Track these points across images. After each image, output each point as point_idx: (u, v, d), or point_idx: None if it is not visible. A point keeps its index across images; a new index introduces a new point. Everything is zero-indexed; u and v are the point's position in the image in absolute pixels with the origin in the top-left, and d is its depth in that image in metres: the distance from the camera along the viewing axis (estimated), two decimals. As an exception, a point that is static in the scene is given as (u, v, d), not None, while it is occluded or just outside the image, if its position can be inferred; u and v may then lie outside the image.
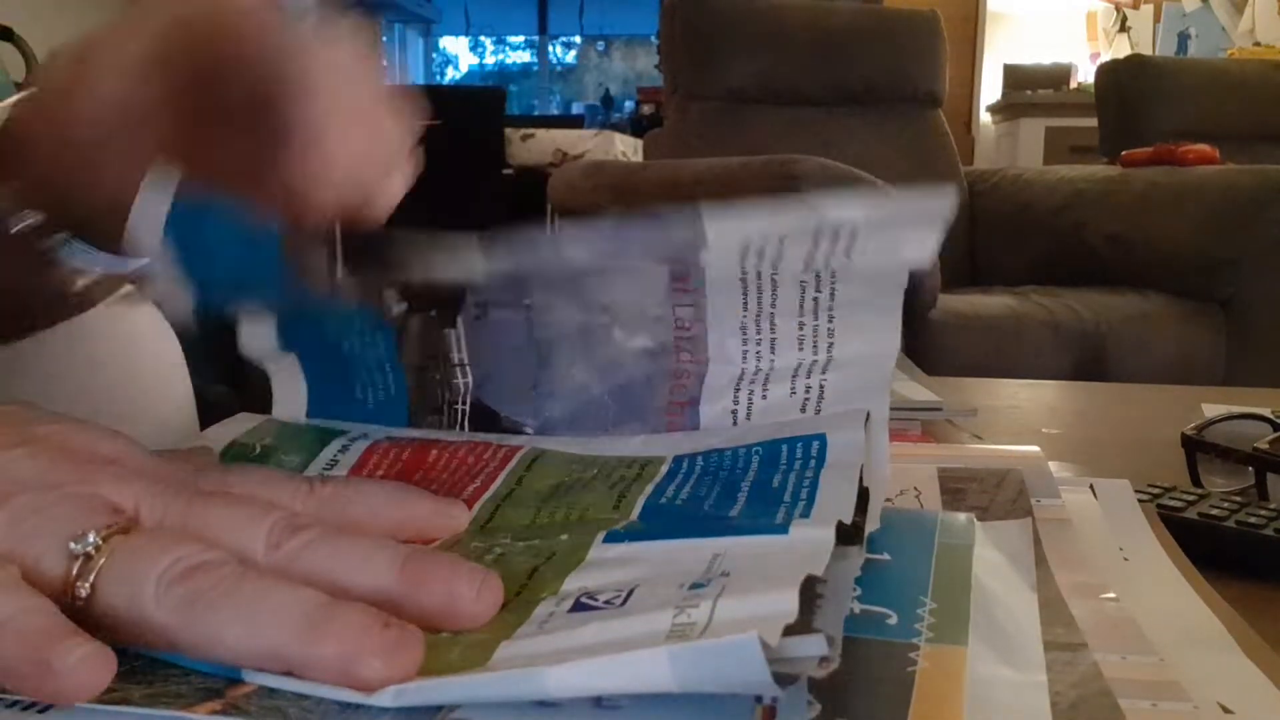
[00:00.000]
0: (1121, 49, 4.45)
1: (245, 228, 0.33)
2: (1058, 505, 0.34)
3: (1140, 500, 0.37)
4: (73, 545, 0.24)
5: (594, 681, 0.20)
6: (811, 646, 0.20)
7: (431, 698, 0.21)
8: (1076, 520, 0.34)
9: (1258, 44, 4.35)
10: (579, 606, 0.23)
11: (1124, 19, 4.79)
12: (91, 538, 0.24)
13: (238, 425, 0.36)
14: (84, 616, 0.23)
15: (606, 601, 0.23)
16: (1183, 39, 4.70)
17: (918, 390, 0.53)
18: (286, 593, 0.23)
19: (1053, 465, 0.37)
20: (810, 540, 0.24)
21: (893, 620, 0.24)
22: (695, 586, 0.23)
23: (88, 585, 0.23)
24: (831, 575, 0.23)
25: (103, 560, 0.23)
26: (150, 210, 0.31)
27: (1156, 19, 4.76)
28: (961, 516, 0.30)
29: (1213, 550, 0.35)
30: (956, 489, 0.34)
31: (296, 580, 0.24)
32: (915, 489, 0.34)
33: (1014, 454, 0.38)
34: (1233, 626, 0.28)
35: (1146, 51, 4.39)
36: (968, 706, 0.21)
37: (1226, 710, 0.23)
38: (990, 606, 0.26)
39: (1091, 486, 0.37)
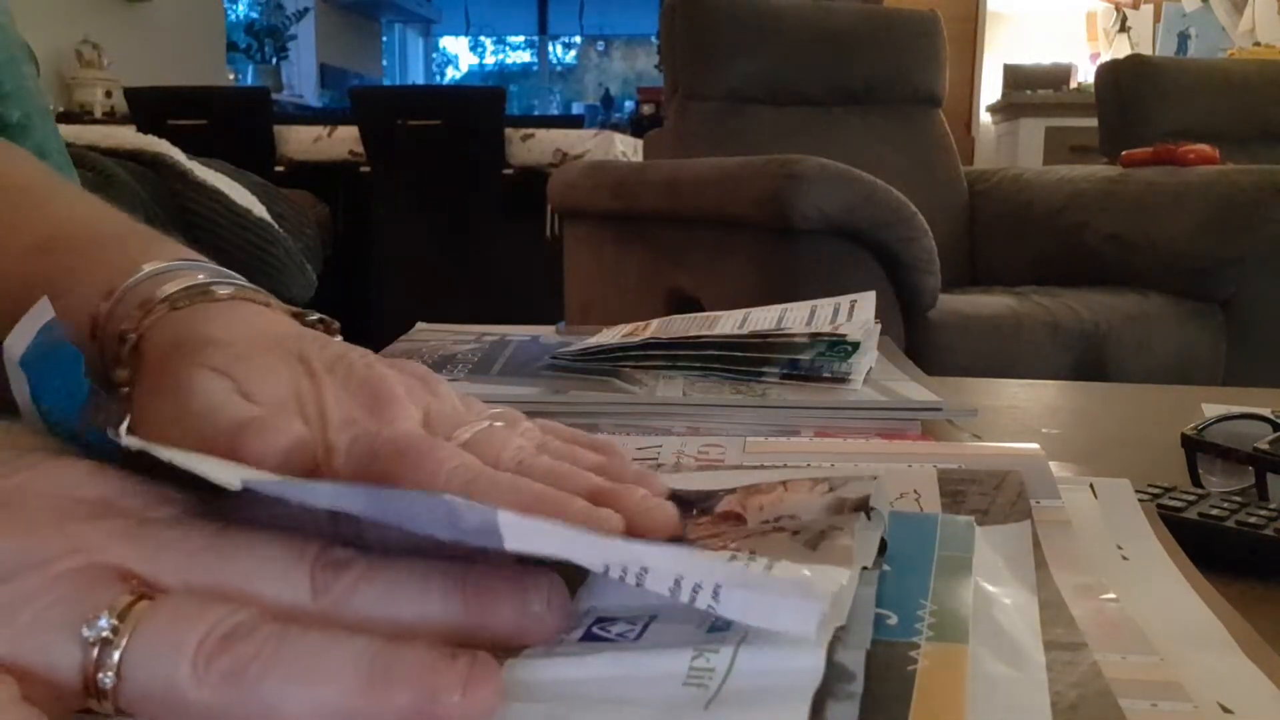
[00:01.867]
0: (1121, 49, 4.45)
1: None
2: (1058, 506, 0.34)
3: (1140, 500, 0.37)
4: (85, 632, 0.21)
5: None
6: (842, 710, 0.20)
7: None
8: (1076, 520, 0.34)
9: (1258, 44, 4.35)
10: (590, 636, 0.23)
11: (1124, 19, 4.79)
12: (105, 620, 0.21)
13: None
14: (112, 711, 0.21)
15: (620, 634, 0.22)
16: (1183, 39, 4.70)
17: (918, 390, 0.54)
18: (340, 645, 0.21)
19: (1053, 465, 0.37)
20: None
21: (893, 621, 0.25)
22: (714, 629, 0.23)
23: (111, 674, 0.20)
24: (853, 604, 0.24)
25: (125, 641, 0.21)
26: (22, 331, 0.31)
27: (1156, 19, 4.76)
28: (961, 520, 0.30)
29: (1213, 550, 0.35)
30: (956, 491, 0.34)
31: (351, 625, 0.22)
32: (915, 492, 0.34)
33: (1014, 452, 0.38)
34: (1233, 626, 0.28)
35: (1146, 51, 4.39)
36: (968, 705, 0.21)
37: (1226, 710, 0.23)
38: (990, 608, 0.26)
39: (1091, 486, 0.37)
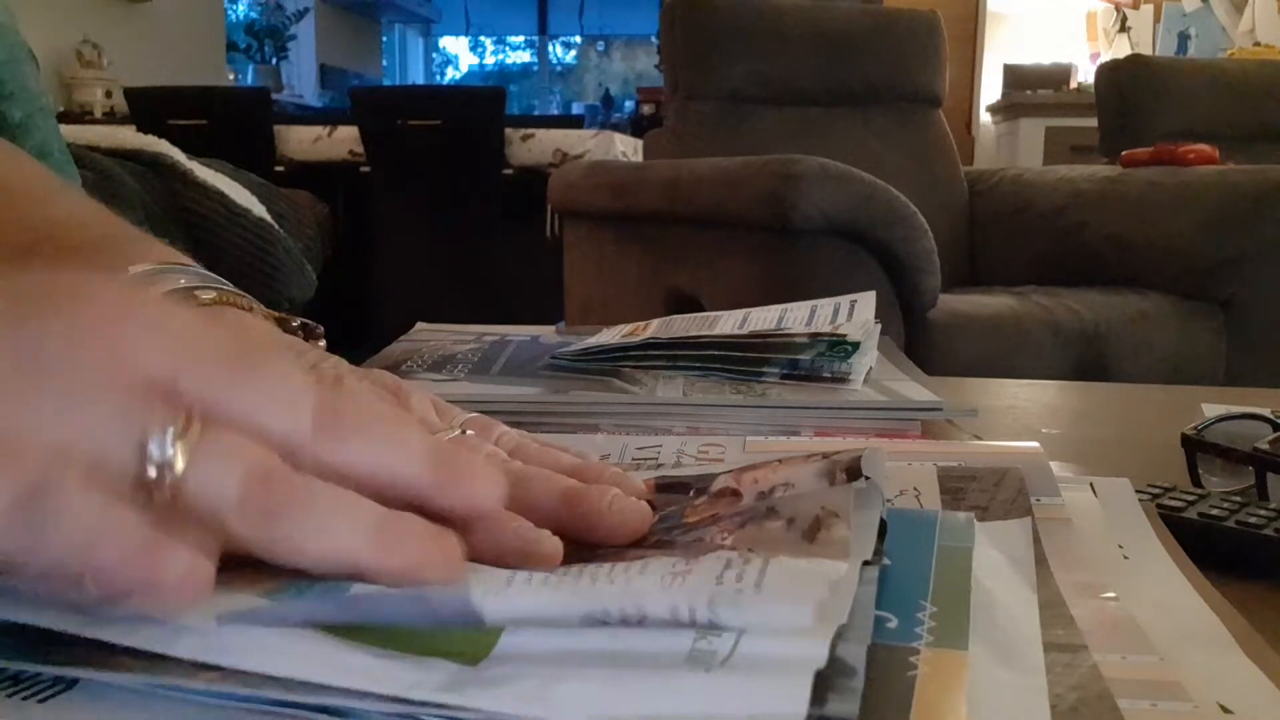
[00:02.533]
0: (1121, 49, 4.46)
1: None
2: (1058, 504, 0.34)
3: (1140, 500, 0.37)
4: (151, 449, 0.23)
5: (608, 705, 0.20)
6: (844, 704, 0.20)
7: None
8: (1076, 519, 0.34)
9: (1258, 44, 4.35)
10: (588, 620, 0.23)
11: (1124, 19, 4.79)
12: (170, 444, 0.23)
13: None
14: (157, 514, 0.23)
15: (621, 621, 0.22)
16: (1183, 39, 4.70)
17: (918, 390, 0.54)
18: (355, 506, 0.25)
19: (1053, 465, 0.37)
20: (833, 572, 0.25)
21: (893, 624, 0.24)
22: (713, 625, 0.23)
23: (166, 491, 0.23)
24: (855, 600, 0.24)
25: (182, 467, 0.23)
26: None
27: (1156, 19, 4.76)
28: (961, 516, 0.30)
29: (1213, 550, 0.35)
30: (956, 488, 0.34)
31: (339, 466, 0.25)
32: (915, 489, 0.34)
33: (1014, 451, 0.38)
34: (1233, 626, 0.28)
35: (1146, 51, 4.39)
36: (968, 711, 0.21)
37: (1226, 710, 0.23)
38: (990, 608, 0.26)
39: (1091, 485, 0.37)
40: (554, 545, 0.29)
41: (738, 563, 0.25)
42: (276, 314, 0.37)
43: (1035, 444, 0.38)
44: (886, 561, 0.27)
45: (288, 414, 0.25)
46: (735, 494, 0.31)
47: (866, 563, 0.26)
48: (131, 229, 0.40)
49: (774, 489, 0.31)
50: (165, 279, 0.35)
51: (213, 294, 0.35)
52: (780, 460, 0.33)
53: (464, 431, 0.35)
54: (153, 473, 0.23)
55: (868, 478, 0.30)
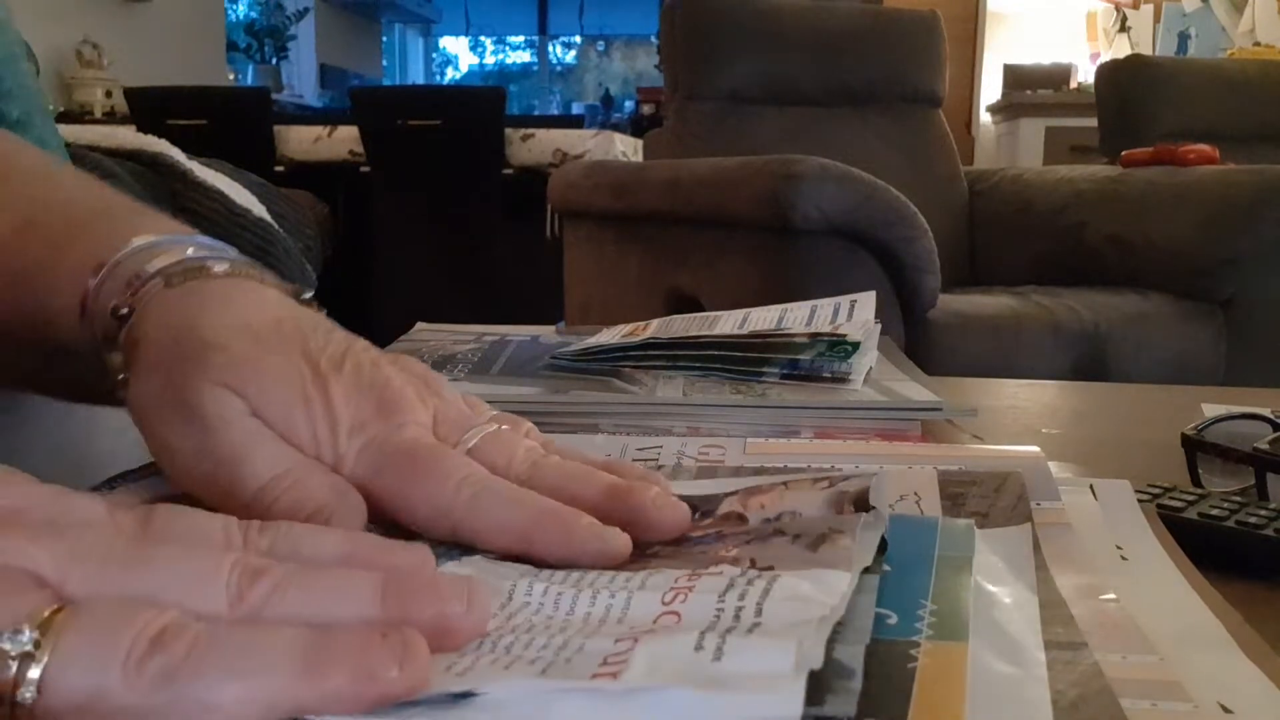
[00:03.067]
0: (1121, 49, 4.46)
1: None
2: (1058, 508, 0.34)
3: (1140, 500, 0.37)
4: (6, 645, 0.20)
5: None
6: (841, 705, 0.20)
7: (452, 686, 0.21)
8: (1076, 522, 0.34)
9: (1258, 44, 4.35)
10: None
11: (1124, 19, 4.79)
12: (28, 633, 0.20)
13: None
14: None
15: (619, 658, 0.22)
16: (1183, 39, 4.70)
17: (918, 390, 0.54)
18: (271, 636, 0.21)
19: (1052, 465, 0.37)
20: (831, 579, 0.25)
21: (893, 620, 0.25)
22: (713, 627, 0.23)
23: (33, 690, 0.20)
24: (853, 603, 0.24)
25: (48, 655, 0.20)
26: None
27: (1156, 19, 4.76)
28: (961, 523, 0.30)
29: (1213, 550, 0.35)
30: (956, 494, 0.34)
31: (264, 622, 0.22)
32: (915, 494, 0.34)
33: (1014, 454, 0.37)
34: (1232, 627, 0.28)
35: (1146, 51, 4.39)
36: (968, 702, 0.21)
37: (1226, 710, 0.23)
38: (990, 607, 0.26)
39: (1091, 487, 0.37)
40: (625, 542, 0.28)
41: (740, 583, 0.25)
42: (289, 285, 0.36)
43: (1035, 448, 0.38)
44: (887, 567, 0.27)
45: (196, 591, 0.22)
46: (741, 518, 0.31)
47: (866, 569, 0.26)
48: (134, 203, 0.38)
49: (780, 515, 0.31)
50: (172, 249, 0.33)
51: (224, 265, 0.34)
52: (786, 484, 0.32)
53: (499, 428, 0.33)
54: (14, 672, 0.19)
55: (874, 507, 0.30)
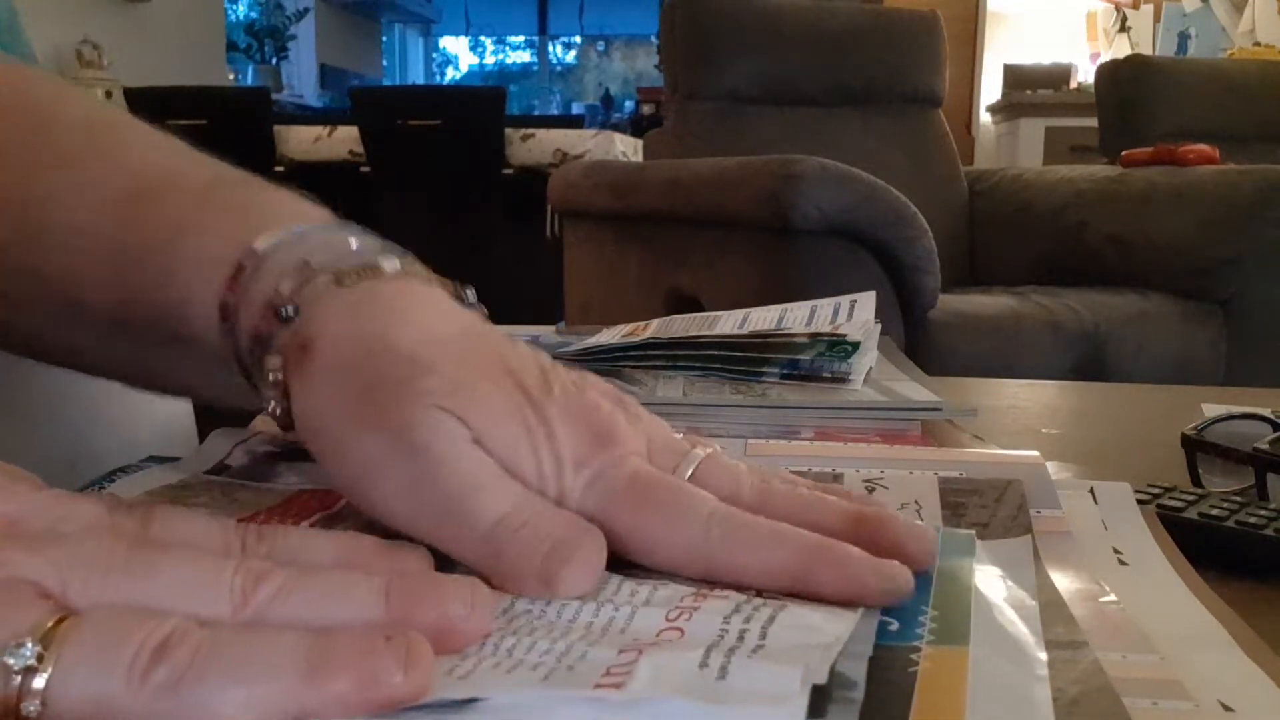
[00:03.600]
0: (1121, 49, 4.46)
1: None
2: (1058, 515, 0.34)
3: (1140, 500, 0.37)
4: (9, 659, 0.19)
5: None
6: (843, 716, 0.20)
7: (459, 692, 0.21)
8: (1076, 528, 0.34)
9: (1258, 44, 4.35)
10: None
11: (1124, 19, 4.79)
12: (30, 647, 0.20)
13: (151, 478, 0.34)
14: None
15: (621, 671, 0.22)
16: (1183, 39, 4.70)
17: (918, 390, 0.54)
18: (274, 641, 0.21)
19: (1052, 466, 0.37)
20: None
21: (894, 627, 0.25)
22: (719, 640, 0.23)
23: (37, 702, 0.19)
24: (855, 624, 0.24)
25: (51, 667, 0.20)
26: None
27: (1156, 19, 4.76)
28: (962, 534, 0.31)
29: (1213, 550, 0.35)
30: (957, 503, 0.34)
31: (266, 628, 0.22)
32: (915, 503, 0.34)
33: (1014, 460, 0.37)
34: (1233, 626, 0.28)
35: (1146, 51, 4.39)
36: (970, 702, 0.21)
37: (1227, 708, 0.23)
38: (990, 611, 0.26)
39: (1091, 490, 0.37)
40: (908, 577, 0.26)
41: (747, 608, 0.25)
42: (450, 283, 0.33)
43: (1035, 453, 0.38)
44: None
45: (199, 597, 0.22)
46: None
47: None
48: (250, 175, 0.35)
49: None
50: (331, 240, 0.31)
51: (394, 263, 0.31)
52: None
53: (712, 453, 0.31)
54: (17, 686, 0.19)
55: None
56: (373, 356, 0.28)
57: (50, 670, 0.19)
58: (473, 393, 0.28)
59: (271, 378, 0.29)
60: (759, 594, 0.26)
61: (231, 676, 0.20)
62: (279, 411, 0.29)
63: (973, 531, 0.31)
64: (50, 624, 0.20)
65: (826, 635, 0.23)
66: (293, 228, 0.31)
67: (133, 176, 0.34)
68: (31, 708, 0.19)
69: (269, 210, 0.32)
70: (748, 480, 0.30)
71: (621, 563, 0.28)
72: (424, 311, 0.30)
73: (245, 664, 0.20)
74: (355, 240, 0.31)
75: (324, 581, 0.23)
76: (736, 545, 0.27)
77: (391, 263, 0.31)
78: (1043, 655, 0.24)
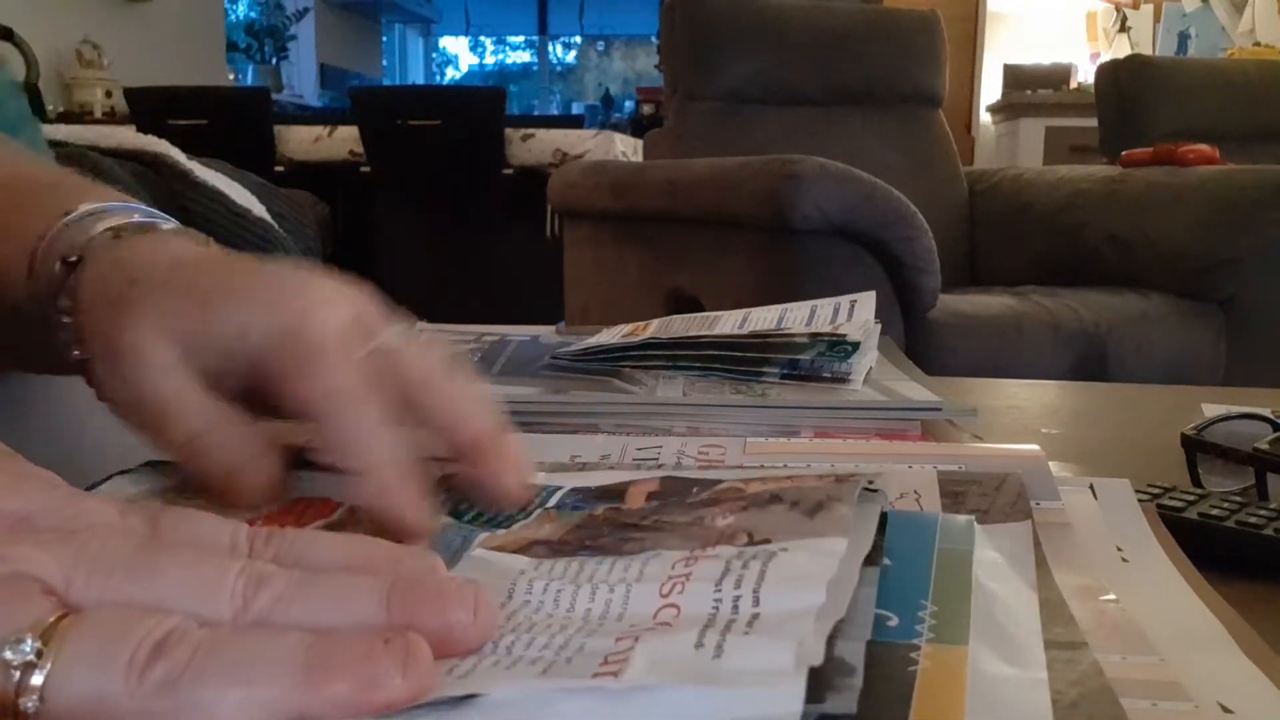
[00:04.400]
0: (1121, 49, 4.45)
1: None
2: (1058, 507, 0.34)
3: (1140, 500, 0.37)
4: (8, 654, 0.20)
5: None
6: (842, 702, 0.20)
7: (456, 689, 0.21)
8: (1076, 522, 0.34)
9: (1258, 44, 4.35)
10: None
11: (1124, 19, 4.79)
12: (30, 643, 0.20)
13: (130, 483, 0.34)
14: None
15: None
16: (1183, 39, 4.70)
17: (918, 390, 0.53)
18: (273, 643, 0.21)
19: (1053, 465, 0.37)
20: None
21: (893, 622, 0.25)
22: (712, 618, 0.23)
23: (35, 698, 0.19)
24: (854, 599, 0.24)
25: (50, 664, 0.20)
26: None
27: (1156, 19, 4.76)
28: (961, 519, 0.30)
29: (1213, 550, 0.35)
30: (956, 492, 0.34)
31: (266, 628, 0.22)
32: (915, 492, 0.34)
33: (1014, 454, 0.37)
34: (1233, 626, 0.28)
35: (1146, 51, 4.39)
36: (969, 705, 0.21)
37: (1226, 710, 0.23)
38: (990, 606, 0.26)
39: (1091, 487, 0.37)
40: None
41: (736, 566, 0.25)
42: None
43: (1035, 447, 0.38)
44: (887, 562, 0.27)
45: (202, 598, 0.22)
46: (738, 491, 0.31)
47: (868, 560, 0.26)
48: (81, 177, 0.40)
49: (781, 491, 0.31)
50: (120, 213, 0.35)
51: (173, 225, 0.36)
52: (790, 478, 0.32)
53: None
54: (15, 681, 0.19)
55: (872, 483, 0.30)
56: (107, 280, 0.33)
57: (49, 667, 0.20)
58: (177, 315, 0.31)
59: (64, 318, 0.33)
60: (750, 539, 0.26)
61: (230, 677, 0.20)
62: (75, 352, 0.33)
63: (972, 517, 0.31)
64: (51, 620, 0.20)
65: (818, 584, 0.24)
66: (92, 205, 0.36)
67: None
68: (29, 704, 0.19)
69: (84, 197, 0.36)
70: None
71: (620, 531, 0.28)
72: (170, 249, 0.34)
73: (244, 664, 0.20)
74: (139, 215, 0.36)
75: (326, 586, 0.23)
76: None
77: (170, 224, 0.36)
78: (1042, 657, 0.24)
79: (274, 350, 0.31)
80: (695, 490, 0.32)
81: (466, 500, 0.32)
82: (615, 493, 0.32)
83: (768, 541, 0.27)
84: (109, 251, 0.34)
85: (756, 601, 0.24)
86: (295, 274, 0.33)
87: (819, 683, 0.20)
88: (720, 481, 0.32)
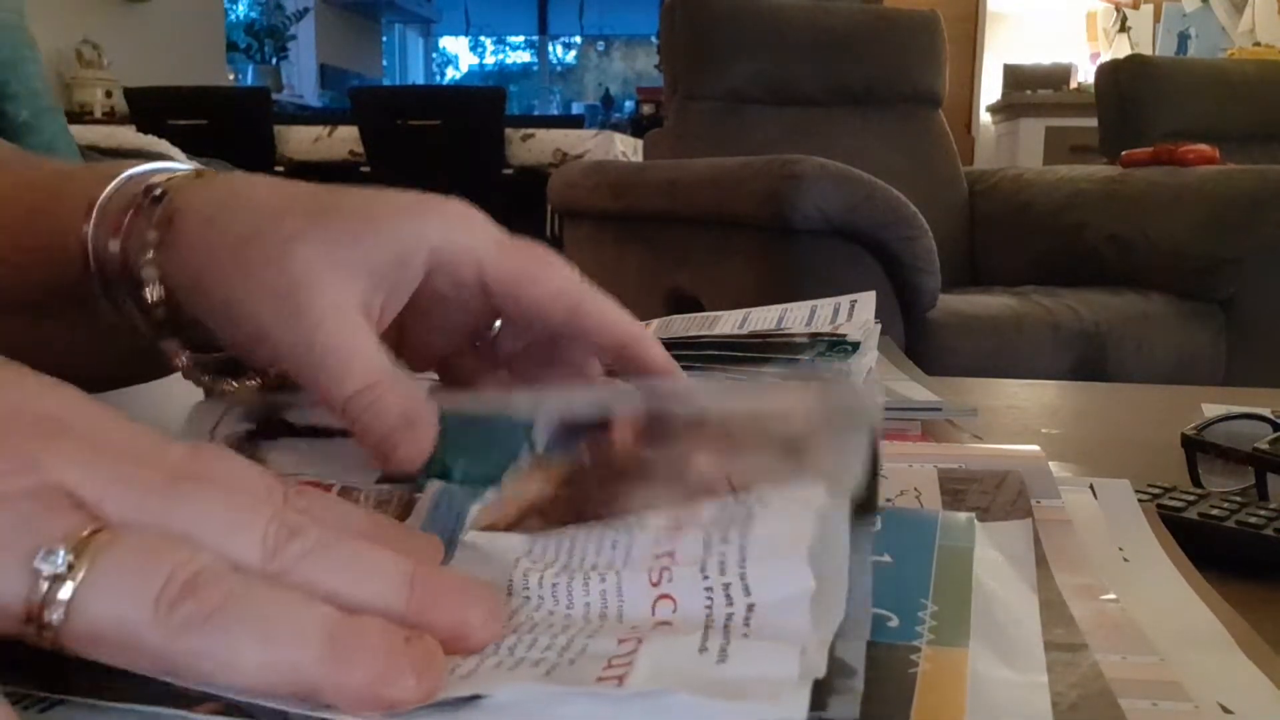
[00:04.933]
0: (1121, 49, 4.45)
1: None
2: (1058, 506, 0.34)
3: (1140, 500, 0.37)
4: (39, 565, 0.19)
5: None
6: (845, 707, 0.20)
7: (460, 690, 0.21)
8: (1076, 521, 0.34)
9: (1258, 44, 4.35)
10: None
11: (1124, 19, 4.79)
12: (62, 555, 0.19)
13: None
14: (48, 644, 0.20)
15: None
16: (1183, 39, 4.70)
17: (918, 390, 0.54)
18: (305, 610, 0.20)
19: (1053, 465, 0.37)
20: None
21: (894, 623, 0.25)
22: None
23: (60, 611, 0.19)
24: (851, 594, 0.24)
25: (81, 577, 0.19)
26: None
27: (1156, 19, 4.76)
28: (962, 516, 0.30)
29: (1213, 550, 0.35)
30: (956, 490, 0.34)
31: (297, 590, 0.21)
32: (915, 490, 0.34)
33: (1014, 454, 0.38)
34: (1233, 626, 0.28)
35: (1146, 51, 4.39)
36: (969, 707, 0.21)
37: (1226, 710, 0.23)
38: (991, 607, 0.26)
39: (1091, 486, 0.37)
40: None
41: (716, 543, 0.24)
42: None
43: (1035, 447, 0.38)
44: (887, 559, 0.27)
45: (232, 536, 0.21)
46: (722, 429, 0.30)
47: (860, 514, 0.25)
48: (101, 167, 0.38)
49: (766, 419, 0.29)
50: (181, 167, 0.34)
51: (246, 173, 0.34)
52: (776, 391, 0.31)
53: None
54: (43, 592, 0.19)
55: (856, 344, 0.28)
56: (228, 208, 0.30)
57: (79, 581, 0.19)
58: (349, 244, 0.30)
59: (150, 254, 0.31)
60: (731, 488, 0.26)
61: (257, 634, 0.20)
62: (156, 294, 0.31)
63: (973, 514, 0.31)
64: (84, 535, 0.20)
65: (801, 566, 0.23)
66: (154, 164, 0.34)
67: (14, 176, 0.37)
68: (54, 616, 0.19)
69: (102, 176, 0.34)
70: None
71: (608, 486, 0.28)
72: (270, 181, 0.32)
73: (274, 624, 0.20)
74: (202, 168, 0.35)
75: (353, 552, 0.23)
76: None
77: (241, 171, 0.35)
78: (1042, 659, 0.24)
79: (480, 264, 0.31)
80: (681, 429, 0.30)
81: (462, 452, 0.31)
82: (601, 424, 0.31)
83: (748, 489, 0.26)
84: (204, 190, 0.32)
85: (747, 590, 0.23)
86: (429, 195, 0.32)
87: (821, 688, 0.20)
88: (705, 420, 0.31)
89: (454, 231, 0.31)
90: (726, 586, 0.24)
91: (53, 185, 0.35)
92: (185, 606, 0.19)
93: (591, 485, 0.29)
